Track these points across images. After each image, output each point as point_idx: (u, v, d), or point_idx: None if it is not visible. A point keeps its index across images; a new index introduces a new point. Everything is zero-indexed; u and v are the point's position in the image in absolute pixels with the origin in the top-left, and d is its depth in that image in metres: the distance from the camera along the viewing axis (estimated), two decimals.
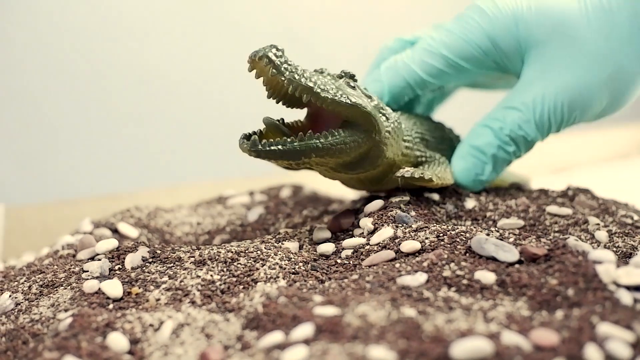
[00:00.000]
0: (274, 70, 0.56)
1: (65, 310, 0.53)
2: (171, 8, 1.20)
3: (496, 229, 0.59)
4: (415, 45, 0.73)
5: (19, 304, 0.56)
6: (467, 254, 0.54)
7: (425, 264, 0.52)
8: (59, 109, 1.06)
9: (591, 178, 1.28)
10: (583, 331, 0.42)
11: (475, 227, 0.59)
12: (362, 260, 0.57)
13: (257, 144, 0.56)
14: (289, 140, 0.57)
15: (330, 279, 0.56)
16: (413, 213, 0.61)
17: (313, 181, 0.98)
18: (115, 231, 0.70)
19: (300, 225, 0.68)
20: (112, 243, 0.60)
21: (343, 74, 0.63)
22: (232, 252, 0.57)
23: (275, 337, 0.44)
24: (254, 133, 0.58)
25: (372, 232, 0.60)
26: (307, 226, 0.65)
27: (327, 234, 0.61)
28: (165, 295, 0.53)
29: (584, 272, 0.49)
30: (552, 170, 1.49)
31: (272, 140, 0.57)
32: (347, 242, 0.60)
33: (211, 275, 0.55)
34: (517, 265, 0.52)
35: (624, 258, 0.58)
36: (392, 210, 0.61)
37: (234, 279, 0.55)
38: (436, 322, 0.43)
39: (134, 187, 1.10)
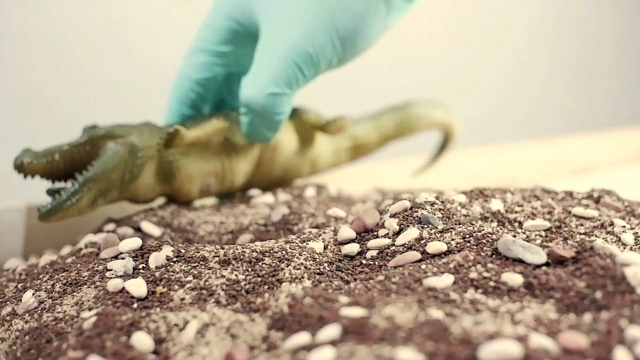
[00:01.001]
0: (30, 160, 0.66)
1: (89, 309, 0.53)
2: (182, 6, 1.20)
3: (522, 230, 0.59)
4: (184, 55, 0.79)
5: (43, 302, 0.56)
6: (494, 256, 0.54)
7: (451, 265, 0.52)
8: (80, 107, 1.07)
9: (611, 180, 1.27)
10: (612, 334, 0.41)
11: (501, 229, 0.59)
12: (388, 261, 0.57)
13: (40, 211, 0.66)
14: (61, 190, 0.66)
15: (355, 279, 0.55)
16: (439, 214, 0.61)
17: (336, 181, 0.98)
18: (138, 230, 0.70)
19: (324, 225, 0.68)
20: (136, 242, 0.60)
21: (84, 128, 0.70)
22: (256, 252, 0.57)
23: (301, 338, 0.43)
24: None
25: (397, 233, 0.60)
26: (331, 226, 0.65)
27: (352, 234, 0.61)
28: (190, 294, 0.53)
29: (612, 275, 0.49)
30: (571, 171, 1.48)
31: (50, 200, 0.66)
32: (372, 242, 0.59)
33: (236, 275, 0.55)
34: (544, 268, 0.52)
35: None
36: (417, 211, 0.61)
37: (259, 279, 0.55)
38: (464, 324, 0.43)
39: None
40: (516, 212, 0.64)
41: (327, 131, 0.84)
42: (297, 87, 0.73)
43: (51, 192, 0.69)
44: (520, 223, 0.62)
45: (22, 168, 0.66)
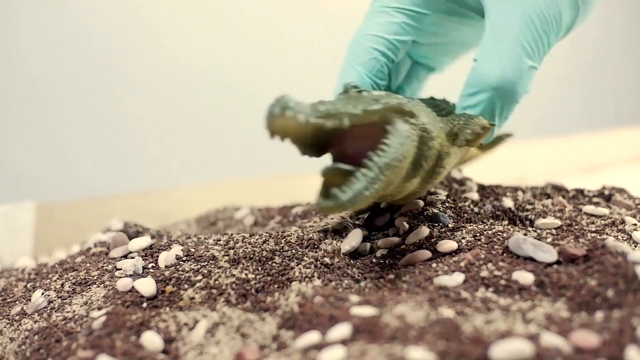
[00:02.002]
0: (299, 117, 0.48)
1: (99, 309, 0.53)
2: (204, 8, 1.20)
3: (533, 228, 0.59)
4: (365, 16, 0.68)
5: (52, 302, 0.56)
6: (505, 254, 0.54)
7: (462, 264, 0.52)
8: (90, 106, 1.07)
9: (623, 177, 1.26)
10: (624, 333, 0.41)
11: (512, 227, 0.58)
12: (398, 259, 0.57)
13: (338, 197, 0.47)
14: (357, 174, 0.49)
15: (366, 278, 0.55)
16: (449, 212, 0.61)
17: None
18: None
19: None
20: (145, 241, 0.60)
21: (348, 88, 0.57)
22: (266, 250, 0.57)
23: (311, 337, 0.43)
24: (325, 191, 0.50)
25: (407, 232, 0.59)
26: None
27: (363, 233, 0.61)
28: (200, 294, 0.53)
29: (624, 273, 0.48)
30: (582, 169, 1.48)
31: (341, 187, 0.49)
32: (382, 241, 0.59)
33: (246, 274, 0.54)
34: (555, 266, 0.51)
35: None
36: (428, 210, 0.61)
37: (269, 278, 0.54)
38: (475, 323, 0.42)
39: (165, 184, 1.10)
40: (527, 210, 0.63)
41: (481, 147, 0.73)
42: (542, 60, 0.63)
43: (333, 172, 0.52)
44: (531, 221, 0.62)
45: (287, 128, 0.49)
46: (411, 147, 0.52)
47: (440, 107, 0.61)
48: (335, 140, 0.53)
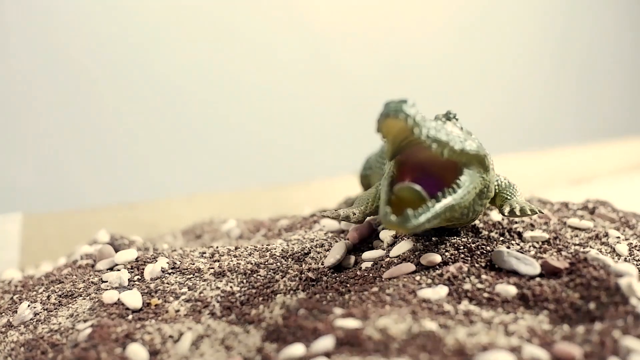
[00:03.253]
0: (416, 129, 0.51)
1: (85, 321, 0.53)
2: (194, 23, 1.21)
3: (517, 242, 0.59)
4: None
5: (38, 314, 0.56)
6: (488, 267, 0.54)
7: (445, 276, 0.52)
8: (78, 119, 1.07)
9: (609, 190, 1.27)
10: (605, 345, 0.41)
11: (495, 240, 0.59)
12: (382, 272, 0.57)
13: (409, 219, 0.50)
14: (429, 204, 0.52)
15: (350, 291, 0.55)
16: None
17: (314, 191, 0.97)
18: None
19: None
20: (131, 253, 0.60)
21: (450, 116, 0.60)
22: (251, 263, 0.57)
23: (295, 349, 0.43)
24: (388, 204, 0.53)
25: (391, 245, 0.60)
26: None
27: (347, 246, 0.61)
28: (185, 306, 0.53)
29: (605, 286, 0.49)
30: (570, 181, 1.48)
31: (416, 210, 0.51)
32: (367, 254, 0.59)
33: (231, 287, 0.55)
34: (538, 279, 0.52)
35: None
36: None
37: (254, 291, 0.55)
38: (457, 336, 0.43)
39: (151, 196, 1.10)
40: (516, 223, 0.63)
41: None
42: None
43: (409, 190, 0.54)
44: (519, 234, 0.62)
45: (401, 119, 0.51)
46: (472, 197, 0.56)
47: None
48: (407, 149, 0.55)
